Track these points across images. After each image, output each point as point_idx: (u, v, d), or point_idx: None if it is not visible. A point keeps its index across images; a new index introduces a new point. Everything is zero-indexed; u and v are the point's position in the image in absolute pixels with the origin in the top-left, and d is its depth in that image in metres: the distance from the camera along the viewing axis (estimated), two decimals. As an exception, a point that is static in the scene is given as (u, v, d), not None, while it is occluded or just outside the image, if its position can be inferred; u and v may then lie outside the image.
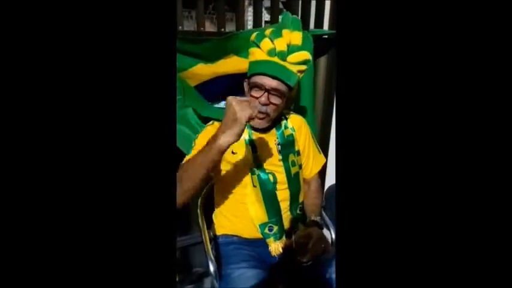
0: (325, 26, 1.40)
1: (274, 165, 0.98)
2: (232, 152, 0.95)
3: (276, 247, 0.96)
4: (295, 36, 0.87)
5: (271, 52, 0.86)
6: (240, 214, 0.99)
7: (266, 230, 0.96)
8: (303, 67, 0.90)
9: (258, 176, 0.95)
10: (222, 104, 1.21)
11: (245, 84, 0.97)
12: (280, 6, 1.42)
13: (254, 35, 0.90)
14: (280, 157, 0.99)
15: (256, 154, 0.96)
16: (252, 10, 1.41)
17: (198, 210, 1.08)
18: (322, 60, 1.39)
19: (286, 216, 1.00)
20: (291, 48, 0.87)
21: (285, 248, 0.97)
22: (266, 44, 0.87)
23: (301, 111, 1.26)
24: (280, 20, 0.92)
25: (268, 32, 0.88)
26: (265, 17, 1.56)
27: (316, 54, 1.31)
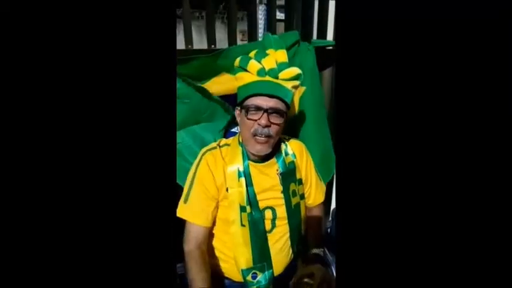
0: (329, 35, 1.29)
1: (274, 199, 0.90)
2: (227, 190, 0.87)
3: None
4: (280, 55, 0.87)
5: (261, 72, 0.83)
6: (224, 254, 0.91)
7: (249, 277, 0.87)
8: (296, 82, 0.87)
9: (250, 214, 0.86)
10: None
11: (237, 113, 0.91)
12: (281, 16, 1.32)
13: (238, 59, 0.86)
14: (281, 188, 0.90)
15: (252, 188, 0.88)
16: (262, 8, 1.32)
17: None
18: (327, 73, 1.29)
19: (284, 255, 0.91)
20: (280, 66, 0.85)
21: None
22: (253, 65, 0.83)
23: (313, 127, 1.17)
24: (262, 39, 0.92)
25: (252, 54, 0.85)
26: (279, 15, 1.47)
27: (319, 67, 1.21)
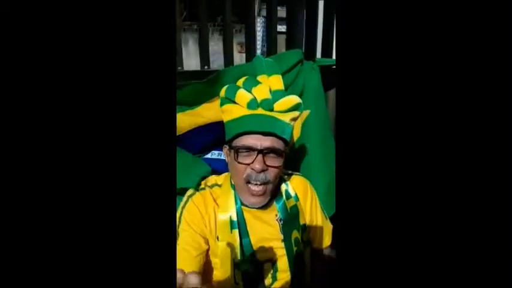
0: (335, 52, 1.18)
1: (274, 249, 0.75)
2: (217, 238, 0.73)
3: None
4: (274, 81, 0.71)
5: (252, 104, 0.68)
6: None
7: None
8: (296, 113, 0.72)
9: (245, 272, 0.72)
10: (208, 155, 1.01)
11: (225, 151, 0.76)
12: (281, 28, 1.22)
13: (224, 89, 0.70)
14: (282, 237, 0.76)
15: (248, 239, 0.73)
16: (260, 20, 1.24)
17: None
18: (332, 94, 1.17)
19: None
20: (275, 95, 0.70)
21: None
22: (242, 96, 0.68)
23: (318, 156, 1.04)
24: (252, 64, 0.74)
25: (240, 82, 0.70)
26: (279, 28, 1.37)
27: (325, 87, 1.09)
